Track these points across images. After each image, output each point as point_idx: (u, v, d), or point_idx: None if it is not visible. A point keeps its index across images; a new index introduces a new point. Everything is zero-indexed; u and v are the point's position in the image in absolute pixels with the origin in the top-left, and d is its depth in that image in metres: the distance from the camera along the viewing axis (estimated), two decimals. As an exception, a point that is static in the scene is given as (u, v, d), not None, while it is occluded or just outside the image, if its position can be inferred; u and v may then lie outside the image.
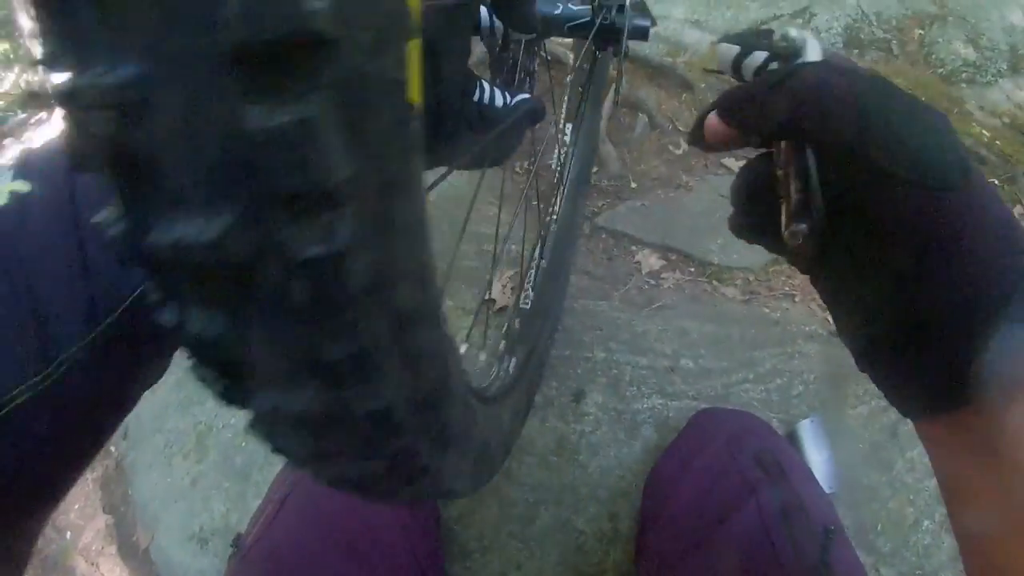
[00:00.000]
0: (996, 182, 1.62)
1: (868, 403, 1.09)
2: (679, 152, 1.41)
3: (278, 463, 1.10)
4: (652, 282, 1.20)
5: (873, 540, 0.97)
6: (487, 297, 1.16)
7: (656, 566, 0.72)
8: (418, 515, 0.78)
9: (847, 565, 0.60)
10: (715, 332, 1.14)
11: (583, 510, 0.96)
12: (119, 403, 0.38)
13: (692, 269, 1.23)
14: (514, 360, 0.77)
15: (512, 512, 0.96)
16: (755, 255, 1.22)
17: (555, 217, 1.01)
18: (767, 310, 1.20)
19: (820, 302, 1.23)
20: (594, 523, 0.95)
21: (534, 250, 0.95)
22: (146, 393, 1.34)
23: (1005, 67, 1.88)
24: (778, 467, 0.71)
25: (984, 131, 1.73)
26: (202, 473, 1.16)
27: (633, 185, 1.32)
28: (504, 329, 0.82)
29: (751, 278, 1.24)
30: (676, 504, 0.74)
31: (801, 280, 1.28)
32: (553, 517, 0.96)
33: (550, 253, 0.97)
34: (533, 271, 0.95)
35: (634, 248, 1.24)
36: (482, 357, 0.78)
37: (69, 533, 1.32)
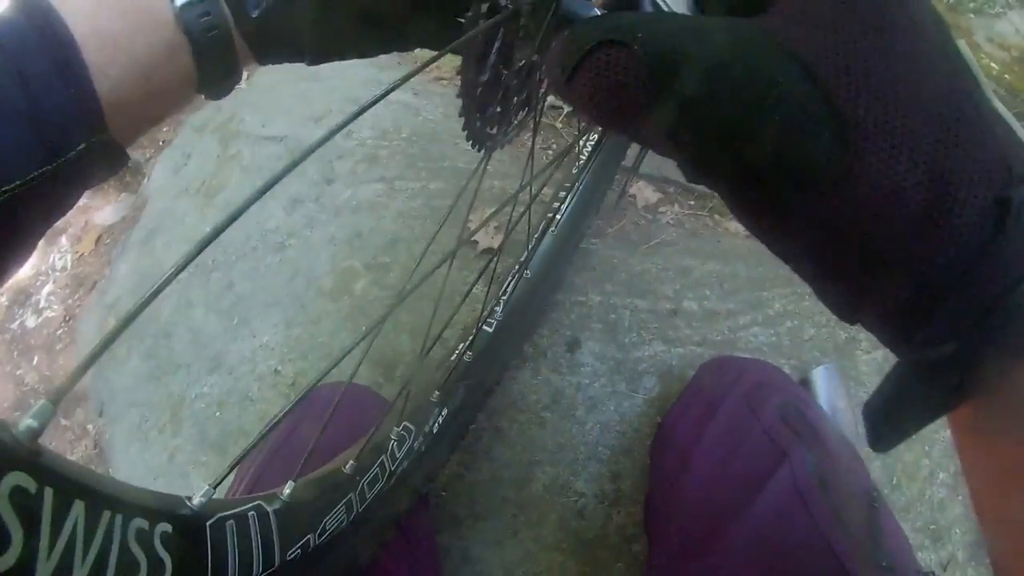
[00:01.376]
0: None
1: (882, 348, 1.01)
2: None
3: (254, 433, 1.04)
4: (649, 216, 1.10)
5: (888, 494, 0.91)
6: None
7: (676, 542, 0.63)
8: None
9: (896, 538, 0.53)
10: (719, 270, 1.05)
11: (582, 470, 0.89)
12: None
13: (692, 202, 1.13)
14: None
15: (505, 475, 0.89)
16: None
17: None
18: (774, 246, 1.10)
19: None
20: (595, 484, 0.88)
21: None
22: (117, 365, 1.24)
23: (1015, -2, 1.77)
24: (807, 425, 0.63)
25: (993, 64, 1.62)
26: (179, 447, 1.12)
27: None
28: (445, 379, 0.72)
29: (756, 211, 1.14)
30: (694, 471, 0.64)
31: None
32: (550, 479, 0.89)
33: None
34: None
35: (629, 180, 1.14)
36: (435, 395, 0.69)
37: None
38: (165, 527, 0.25)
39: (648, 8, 0.26)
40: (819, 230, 0.21)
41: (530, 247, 0.86)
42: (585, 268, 1.02)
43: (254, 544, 0.33)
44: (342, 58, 0.38)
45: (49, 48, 0.28)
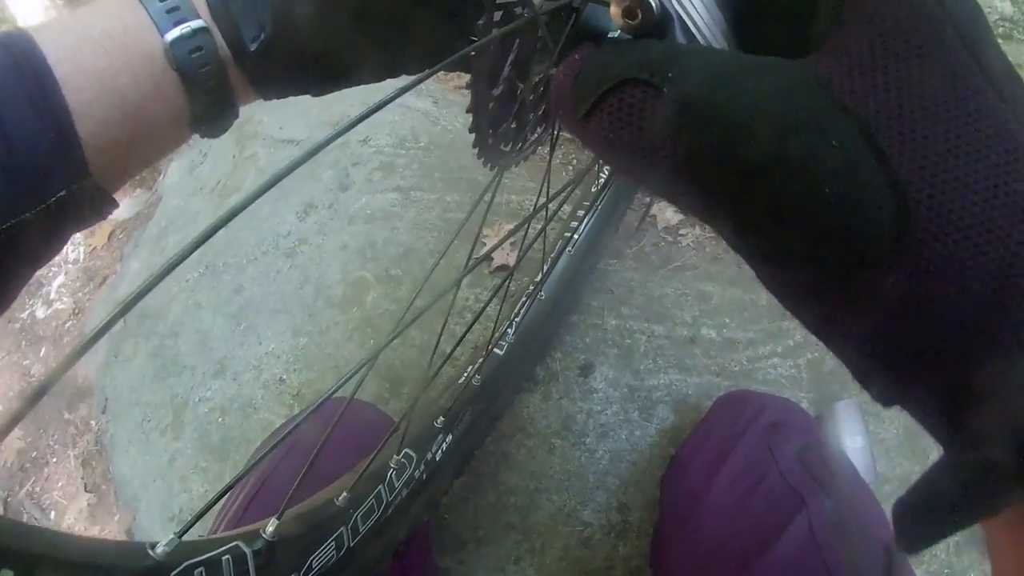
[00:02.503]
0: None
1: None
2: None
3: (257, 442, 1.03)
4: (669, 238, 1.06)
5: None
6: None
7: None
8: None
9: None
10: (740, 297, 1.01)
11: (590, 499, 0.86)
12: None
13: (715, 226, 1.10)
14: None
15: (511, 501, 0.86)
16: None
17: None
18: (797, 274, 1.07)
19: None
20: (602, 514, 0.85)
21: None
22: (123, 362, 1.23)
23: (1049, 18, 1.73)
24: (826, 469, 0.60)
25: None
26: (179, 451, 1.11)
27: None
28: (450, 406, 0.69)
29: (779, 238, 1.11)
30: (707, 511, 0.62)
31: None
32: (556, 507, 0.86)
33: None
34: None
35: (648, 199, 1.11)
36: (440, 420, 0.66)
37: (53, 513, 1.30)
38: None
39: (679, 36, 0.22)
40: (865, 312, 0.18)
41: (545, 268, 0.83)
42: (602, 290, 0.99)
43: (227, 590, 0.30)
44: (348, 86, 0.35)
45: (27, 87, 0.26)
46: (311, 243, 1.15)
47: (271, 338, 1.10)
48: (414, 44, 0.33)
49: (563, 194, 0.84)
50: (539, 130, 0.50)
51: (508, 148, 0.45)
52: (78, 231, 0.31)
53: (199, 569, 0.29)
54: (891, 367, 0.20)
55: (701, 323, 0.98)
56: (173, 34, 0.29)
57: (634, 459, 0.88)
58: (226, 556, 0.31)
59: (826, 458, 0.63)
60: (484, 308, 0.69)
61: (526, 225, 0.54)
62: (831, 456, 0.65)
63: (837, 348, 0.21)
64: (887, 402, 0.21)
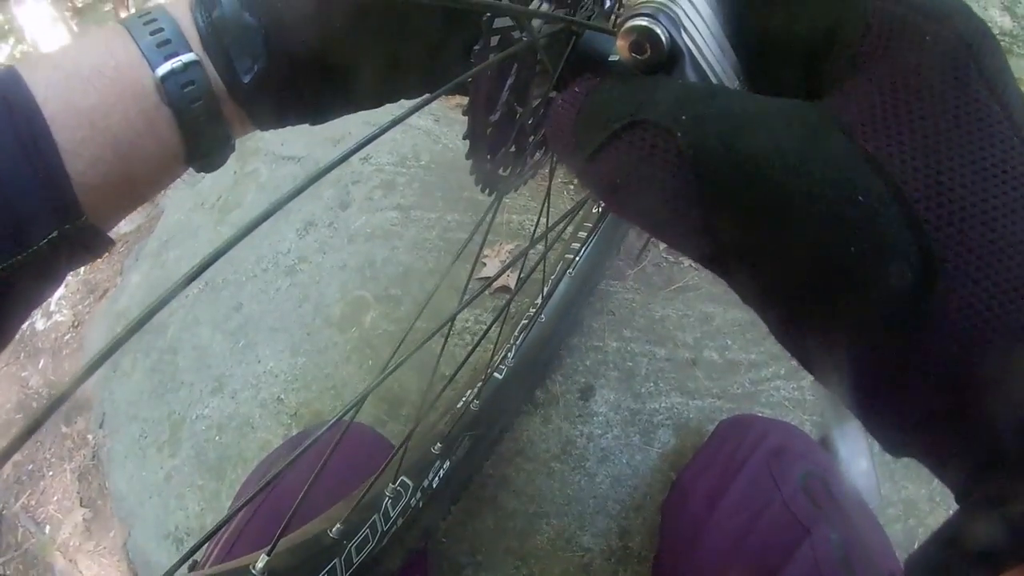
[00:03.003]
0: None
1: None
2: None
3: (254, 461, 1.02)
4: (671, 259, 1.06)
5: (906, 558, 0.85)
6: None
7: None
8: None
9: None
10: (742, 319, 1.01)
11: (590, 524, 0.84)
12: None
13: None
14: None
15: (509, 525, 0.85)
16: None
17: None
18: (800, 296, 1.06)
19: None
20: (602, 539, 0.84)
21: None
22: (121, 377, 1.22)
23: (1049, 34, 1.73)
24: (831, 498, 0.59)
25: None
26: (176, 468, 1.10)
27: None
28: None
29: (782, 258, 1.10)
30: (708, 540, 0.60)
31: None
32: (556, 532, 0.84)
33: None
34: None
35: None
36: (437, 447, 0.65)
37: (48, 527, 1.27)
38: None
39: (689, 72, 0.21)
40: (882, 368, 0.18)
41: (546, 291, 0.82)
42: (603, 311, 0.98)
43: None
44: (345, 113, 0.34)
45: (15, 127, 0.26)
46: (311, 261, 1.15)
47: (269, 356, 1.10)
48: (412, 69, 0.33)
49: (564, 220, 0.83)
50: (538, 154, 0.49)
51: (507, 172, 0.44)
52: (73, 270, 0.30)
53: None
54: (905, 429, 0.19)
55: (703, 345, 0.97)
56: (164, 68, 0.28)
57: (635, 484, 0.86)
58: None
59: (831, 486, 0.62)
60: (486, 332, 0.68)
61: (527, 249, 0.53)
62: (836, 484, 0.63)
63: (842, 394, 0.20)
64: (899, 454, 0.20)
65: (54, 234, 0.27)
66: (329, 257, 1.13)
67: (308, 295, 1.11)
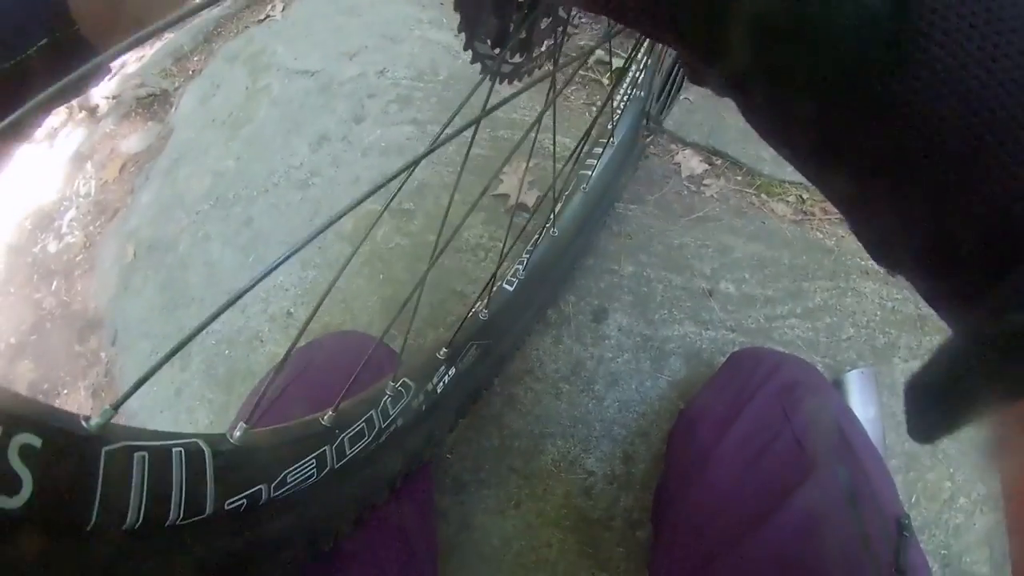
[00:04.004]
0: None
1: (922, 357, 0.94)
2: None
3: (261, 374, 1.02)
4: (692, 188, 1.02)
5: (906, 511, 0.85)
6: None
7: (686, 542, 0.58)
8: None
9: (920, 566, 0.48)
10: (761, 253, 0.98)
11: (595, 448, 0.84)
12: None
13: (739, 177, 1.05)
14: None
15: (514, 444, 0.85)
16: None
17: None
18: (820, 235, 1.02)
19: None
20: (606, 463, 0.83)
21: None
22: (132, 295, 1.21)
23: None
24: (840, 435, 0.57)
25: None
26: (186, 382, 1.11)
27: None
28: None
29: (805, 196, 1.06)
30: (714, 469, 0.59)
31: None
32: (560, 453, 0.84)
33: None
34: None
35: (673, 147, 1.06)
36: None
37: None
38: (30, 439, 0.21)
39: None
40: (862, 153, 0.17)
41: (559, 207, 0.79)
42: (620, 234, 0.95)
43: (175, 484, 0.28)
44: None
45: None
46: (323, 175, 1.12)
47: (279, 270, 1.08)
48: None
49: (581, 129, 0.80)
50: (539, 49, 0.47)
51: (506, 57, 0.42)
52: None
53: (140, 453, 0.26)
54: (891, 216, 0.18)
55: (720, 276, 0.95)
56: None
57: (643, 410, 0.85)
58: (179, 449, 0.29)
59: (842, 423, 0.60)
60: (506, 250, 0.66)
61: (540, 159, 0.50)
62: (847, 423, 0.61)
63: (829, 191, 0.20)
64: (890, 265, 0.20)
65: (44, 41, 0.27)
66: (342, 171, 1.10)
67: (320, 209, 1.09)
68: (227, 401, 1.06)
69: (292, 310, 1.05)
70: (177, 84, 1.65)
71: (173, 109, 1.62)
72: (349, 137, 1.13)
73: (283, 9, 1.51)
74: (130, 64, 1.95)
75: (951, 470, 0.89)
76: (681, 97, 1.06)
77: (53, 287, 1.52)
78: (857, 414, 0.82)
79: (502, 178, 0.98)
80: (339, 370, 0.66)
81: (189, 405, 1.09)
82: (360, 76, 1.18)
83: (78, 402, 1.30)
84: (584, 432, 0.85)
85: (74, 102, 1.92)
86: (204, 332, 1.13)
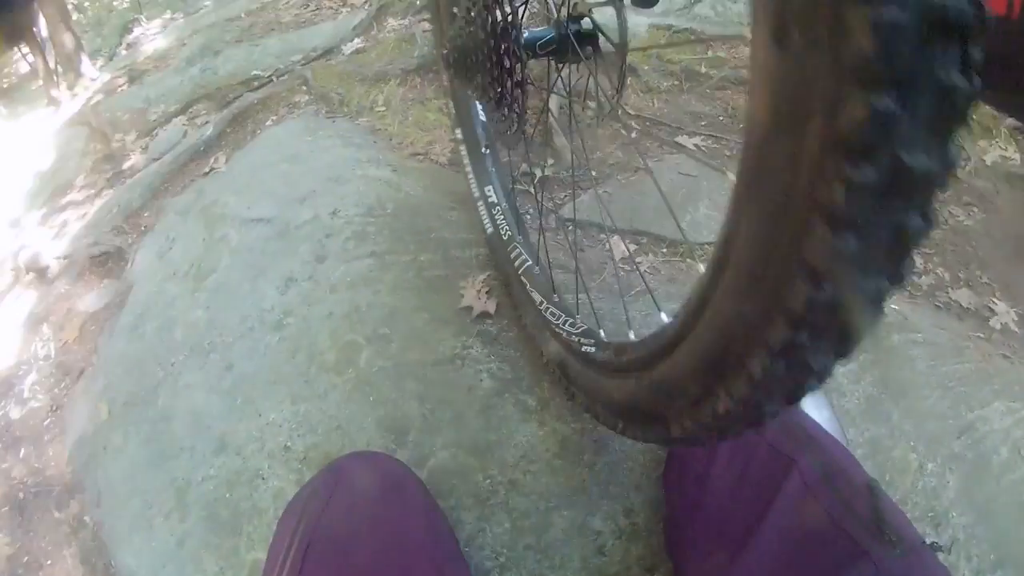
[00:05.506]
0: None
1: (856, 359, 1.10)
2: (633, 135, 1.39)
3: (270, 511, 1.06)
4: (627, 267, 1.18)
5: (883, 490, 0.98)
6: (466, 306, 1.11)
7: (704, 556, 0.70)
8: (449, 566, 0.74)
9: (897, 515, 0.61)
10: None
11: (597, 509, 0.93)
12: None
13: (664, 250, 1.22)
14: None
15: (525, 524, 0.93)
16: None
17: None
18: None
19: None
20: (610, 521, 0.93)
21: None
22: (113, 454, 1.22)
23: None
24: (806, 433, 0.71)
25: None
26: (188, 532, 1.10)
27: (593, 174, 1.30)
28: None
29: (722, 252, 1.23)
30: (712, 490, 0.72)
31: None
32: (568, 521, 0.93)
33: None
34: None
35: (603, 236, 1.22)
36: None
37: None
38: None
39: None
40: None
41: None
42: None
43: None
44: None
45: None
46: (296, 314, 1.20)
47: (270, 408, 1.12)
48: None
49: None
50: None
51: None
52: None
53: None
54: None
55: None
56: None
57: (630, 466, 0.96)
58: None
59: (805, 425, 0.74)
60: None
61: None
62: (808, 422, 0.76)
63: None
64: None
65: None
66: (314, 308, 1.19)
67: (299, 346, 1.16)
68: (236, 544, 1.06)
69: (289, 444, 1.08)
70: (131, 241, 1.71)
71: (129, 265, 1.66)
72: (315, 276, 1.23)
73: (226, 161, 1.62)
74: (75, 223, 1.99)
75: (912, 443, 1.02)
76: (600, 191, 1.23)
77: (21, 455, 1.49)
78: (815, 417, 0.96)
79: (462, 293, 1.10)
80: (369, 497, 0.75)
81: (195, 554, 1.08)
82: (314, 219, 1.28)
83: (65, 571, 1.26)
84: (584, 498, 0.94)
85: (21, 263, 1.93)
86: (200, 479, 1.15)
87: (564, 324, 0.88)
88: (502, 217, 1.11)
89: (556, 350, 0.89)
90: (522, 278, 1.02)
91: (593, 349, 0.77)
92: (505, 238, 1.08)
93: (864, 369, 1.09)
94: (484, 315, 1.10)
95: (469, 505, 0.94)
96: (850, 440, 0.99)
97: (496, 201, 1.14)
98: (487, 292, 1.11)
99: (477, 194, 1.16)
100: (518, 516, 0.93)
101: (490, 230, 1.12)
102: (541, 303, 0.96)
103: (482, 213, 1.14)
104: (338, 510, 0.71)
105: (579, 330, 0.84)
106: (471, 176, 1.17)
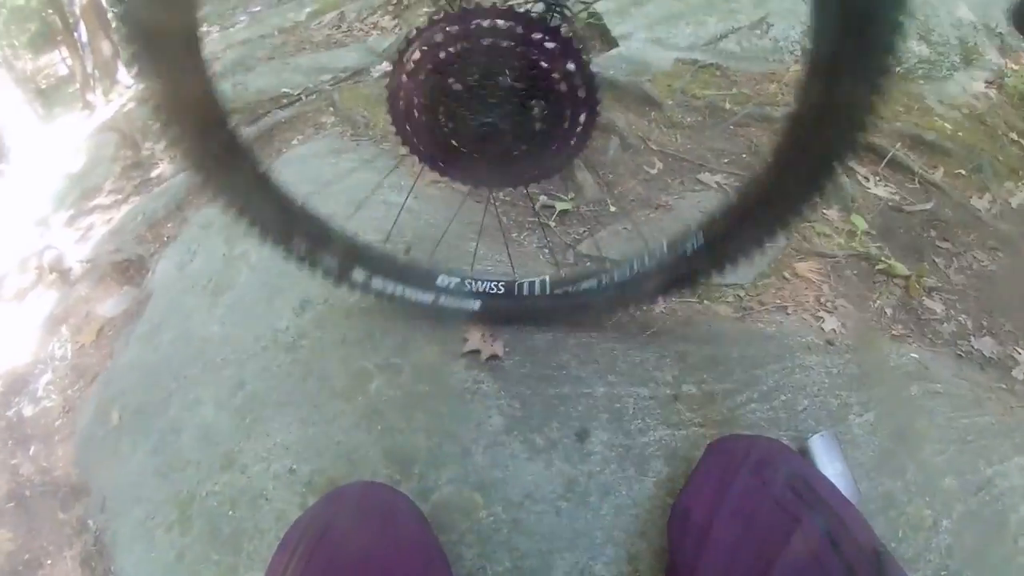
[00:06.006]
0: (963, 172, 1.64)
1: (873, 409, 1.08)
2: (654, 172, 1.39)
3: (271, 532, 1.05)
4: (643, 308, 1.17)
5: (895, 547, 0.96)
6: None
7: None
8: None
9: None
10: (713, 353, 1.12)
11: (600, 554, 0.92)
12: None
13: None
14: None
15: (526, 564, 0.92)
16: (744, 270, 1.20)
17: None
18: (762, 325, 1.18)
19: (812, 311, 1.26)
20: (614, 567, 0.91)
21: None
22: (121, 460, 1.21)
23: (958, 60, 1.94)
24: (813, 492, 0.70)
25: (946, 124, 1.76)
26: (188, 546, 1.10)
27: (612, 209, 1.30)
28: None
29: (742, 294, 1.23)
30: (715, 546, 0.70)
31: (790, 290, 1.26)
32: (570, 565, 0.91)
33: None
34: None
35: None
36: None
37: None
38: None
39: None
40: None
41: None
42: (588, 361, 1.08)
43: None
44: None
45: None
46: (310, 337, 1.21)
47: (278, 430, 1.12)
48: None
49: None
50: None
51: None
52: None
53: None
54: None
55: (682, 381, 1.08)
56: None
57: (636, 512, 0.95)
58: None
59: (812, 483, 0.72)
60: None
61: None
62: (816, 480, 0.74)
63: None
64: None
65: None
66: (328, 332, 1.20)
67: (311, 369, 1.17)
68: (235, 562, 1.06)
69: (294, 467, 1.07)
70: (153, 250, 1.74)
71: (150, 274, 1.69)
72: (331, 300, 1.23)
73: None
74: (100, 227, 2.02)
75: (927, 498, 1.00)
76: (619, 228, 1.23)
77: (31, 452, 1.51)
78: (826, 472, 0.94)
79: (467, 337, 1.09)
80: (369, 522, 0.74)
81: (193, 569, 1.08)
82: (334, 242, 1.29)
83: (65, 572, 1.27)
84: (587, 542, 0.92)
85: (45, 263, 1.97)
86: (204, 494, 1.16)
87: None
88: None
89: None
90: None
91: None
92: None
93: (880, 421, 1.07)
94: (493, 357, 1.09)
95: (470, 541, 0.93)
96: (863, 494, 0.97)
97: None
98: (491, 335, 1.10)
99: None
100: (519, 556, 0.92)
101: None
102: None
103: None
104: (337, 538, 0.71)
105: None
106: None
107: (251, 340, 1.27)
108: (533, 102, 0.75)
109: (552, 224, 1.28)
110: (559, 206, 1.26)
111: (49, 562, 1.31)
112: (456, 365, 1.09)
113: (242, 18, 3.63)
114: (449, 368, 1.08)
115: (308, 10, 2.68)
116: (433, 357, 1.11)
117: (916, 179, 1.57)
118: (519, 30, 0.70)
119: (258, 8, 3.58)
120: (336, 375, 1.14)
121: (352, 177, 1.45)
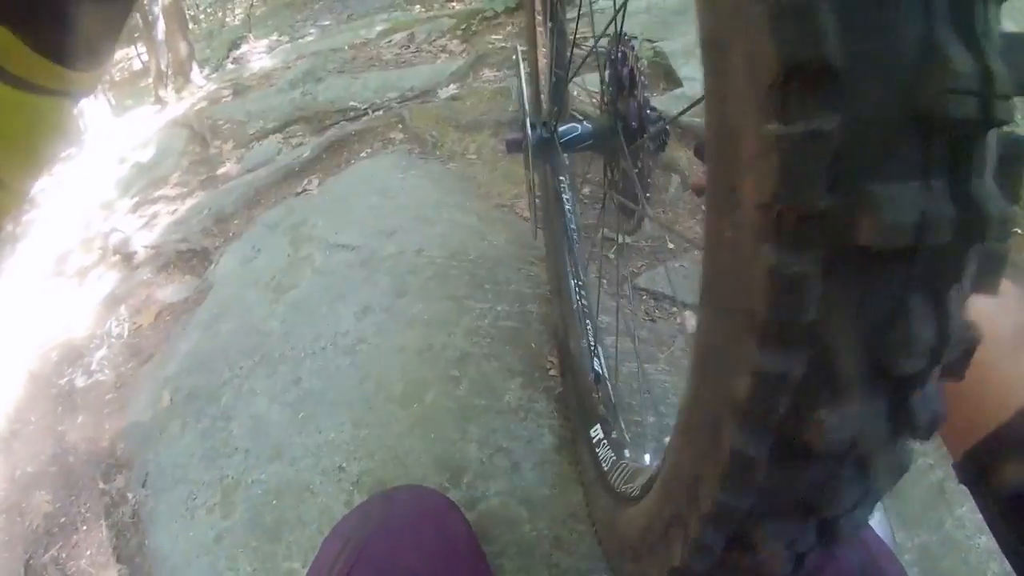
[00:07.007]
0: None
1: (914, 461, 1.09)
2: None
3: (314, 525, 1.09)
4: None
5: None
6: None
7: None
8: None
9: None
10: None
11: (635, 581, 0.94)
12: None
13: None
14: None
15: (564, 581, 0.94)
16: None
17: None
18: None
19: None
20: (646, 594, 0.93)
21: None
22: (169, 440, 1.24)
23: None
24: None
25: None
26: (228, 529, 1.13)
27: (671, 246, 1.34)
28: None
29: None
30: None
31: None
32: None
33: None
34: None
35: (675, 309, 1.25)
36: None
37: None
38: None
39: None
40: None
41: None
42: (640, 391, 1.11)
43: None
44: None
45: None
46: (370, 342, 1.26)
47: (330, 428, 1.16)
48: None
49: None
50: None
51: None
52: None
53: None
54: None
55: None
56: None
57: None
58: None
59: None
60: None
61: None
62: None
63: None
64: None
65: None
66: (388, 340, 1.24)
67: (368, 373, 1.21)
68: (273, 550, 1.08)
69: (344, 465, 1.11)
70: (217, 244, 1.81)
71: (212, 266, 1.75)
72: (393, 309, 1.28)
73: (319, 185, 1.71)
74: (164, 217, 2.11)
75: (963, 555, 0.99)
76: (676, 265, 1.27)
77: (79, 421, 1.56)
78: None
79: (551, 362, 1.14)
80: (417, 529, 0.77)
81: (231, 552, 1.11)
82: (399, 253, 1.35)
83: (99, 540, 1.31)
84: (625, 567, 0.96)
85: (110, 245, 2.04)
86: (250, 481, 1.19)
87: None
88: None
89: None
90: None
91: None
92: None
93: (922, 473, 1.08)
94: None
95: (512, 554, 0.96)
96: (899, 544, 0.98)
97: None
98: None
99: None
100: (558, 573, 0.95)
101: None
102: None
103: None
104: (385, 539, 0.72)
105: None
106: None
107: (310, 339, 1.32)
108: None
109: (611, 256, 1.32)
110: (619, 239, 1.31)
111: (84, 528, 1.35)
112: (512, 382, 1.13)
113: (312, 31, 3.78)
114: (505, 385, 1.12)
115: (379, 28, 2.79)
116: (490, 372, 1.15)
117: None
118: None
119: (328, 22, 3.73)
120: (393, 381, 1.18)
121: (419, 193, 1.51)
